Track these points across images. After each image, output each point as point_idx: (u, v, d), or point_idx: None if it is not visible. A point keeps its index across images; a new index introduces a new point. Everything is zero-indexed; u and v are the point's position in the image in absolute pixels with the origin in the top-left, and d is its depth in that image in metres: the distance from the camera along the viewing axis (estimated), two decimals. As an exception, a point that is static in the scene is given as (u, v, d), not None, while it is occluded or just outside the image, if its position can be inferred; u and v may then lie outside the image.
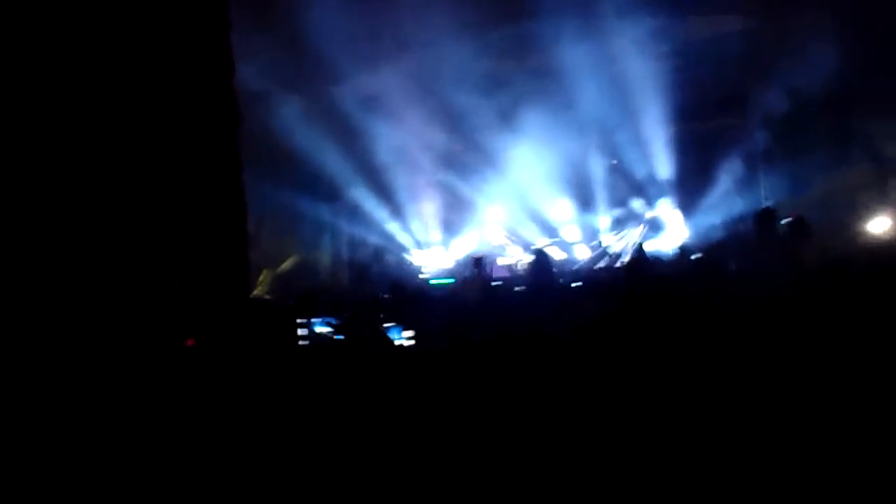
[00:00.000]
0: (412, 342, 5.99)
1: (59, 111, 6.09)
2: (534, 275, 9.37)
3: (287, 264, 13.68)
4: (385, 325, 5.93)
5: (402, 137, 13.93)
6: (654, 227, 15.20)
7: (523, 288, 9.28)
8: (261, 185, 10.42)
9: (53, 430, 4.08)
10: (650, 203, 15.43)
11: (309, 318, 5.75)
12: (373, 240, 15.18)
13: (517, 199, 15.15)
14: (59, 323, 5.29)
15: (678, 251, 11.68)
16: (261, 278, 12.44)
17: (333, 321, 5.75)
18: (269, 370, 4.80)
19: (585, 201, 15.50)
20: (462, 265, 14.07)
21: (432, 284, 12.61)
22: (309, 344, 5.65)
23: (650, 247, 13.49)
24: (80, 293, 5.58)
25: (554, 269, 9.95)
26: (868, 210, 11.88)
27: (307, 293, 7.26)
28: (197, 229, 7.06)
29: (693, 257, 9.57)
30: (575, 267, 13.95)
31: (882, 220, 11.80)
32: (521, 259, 15.11)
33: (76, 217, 5.96)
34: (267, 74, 11.79)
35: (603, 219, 15.53)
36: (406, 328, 5.86)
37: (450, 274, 13.66)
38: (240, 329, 6.22)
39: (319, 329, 5.85)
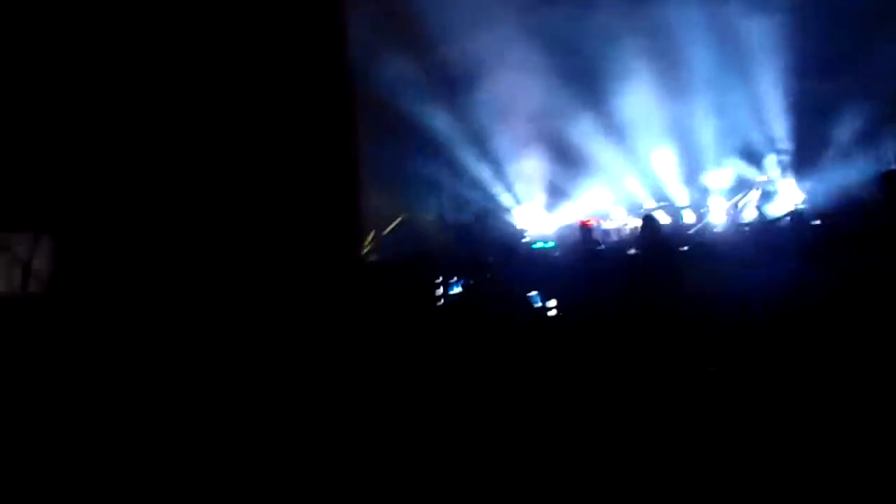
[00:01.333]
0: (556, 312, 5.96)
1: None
2: (644, 239, 9.34)
3: (393, 225, 14.01)
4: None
5: (508, 98, 13.97)
6: (767, 193, 14.83)
7: (635, 252, 9.31)
8: (364, 146, 10.73)
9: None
10: (763, 168, 15.07)
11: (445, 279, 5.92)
12: (476, 200, 15.34)
13: (625, 162, 15.06)
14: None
15: (794, 215, 11.34)
16: (368, 238, 12.77)
17: (469, 283, 5.92)
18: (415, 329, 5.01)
19: (695, 165, 15.27)
20: (566, 229, 14.11)
21: (534, 248, 12.71)
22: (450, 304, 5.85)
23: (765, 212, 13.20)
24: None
25: (662, 234, 9.86)
26: None
27: (423, 254, 7.49)
28: (314, 197, 7.34)
29: (813, 223, 9.32)
30: (691, 231, 13.81)
31: None
32: (626, 222, 15.09)
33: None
34: (374, 34, 12.04)
35: (714, 181, 15.26)
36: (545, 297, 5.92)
37: (553, 238, 13.71)
38: (354, 289, 6.46)
39: (457, 290, 6.03)
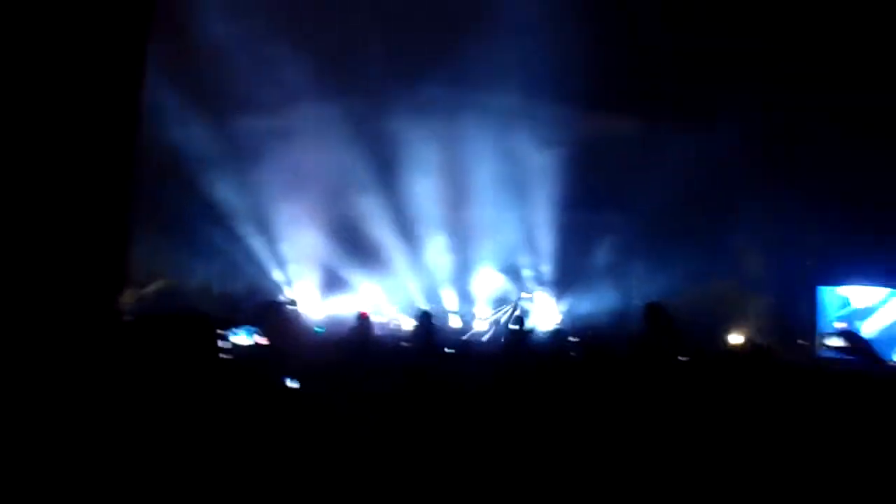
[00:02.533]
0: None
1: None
2: (418, 336, 9.44)
3: (152, 287, 13.08)
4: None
5: (295, 174, 13.86)
6: (527, 308, 15.84)
7: (408, 345, 9.34)
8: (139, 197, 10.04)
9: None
10: (525, 285, 16.15)
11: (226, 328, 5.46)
12: (249, 273, 14.95)
13: (401, 259, 15.57)
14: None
15: (554, 331, 12.12)
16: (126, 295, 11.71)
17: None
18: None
19: (465, 273, 16.05)
20: (338, 320, 13.96)
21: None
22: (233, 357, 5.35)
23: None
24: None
25: (436, 333, 10.06)
26: (729, 322, 13.00)
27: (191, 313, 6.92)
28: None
29: (572, 339, 10.00)
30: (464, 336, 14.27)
31: (739, 333, 12.90)
32: (396, 319, 15.32)
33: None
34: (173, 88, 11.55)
35: (480, 290, 16.09)
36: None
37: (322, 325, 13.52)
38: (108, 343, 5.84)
39: (236, 339, 5.62)
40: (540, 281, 16.10)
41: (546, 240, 15.64)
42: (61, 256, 6.68)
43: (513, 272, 16.35)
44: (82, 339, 5.95)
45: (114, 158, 7.57)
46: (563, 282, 15.77)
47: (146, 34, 7.53)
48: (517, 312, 13.87)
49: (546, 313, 15.46)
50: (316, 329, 12.72)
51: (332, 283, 15.56)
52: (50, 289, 6.30)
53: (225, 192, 13.87)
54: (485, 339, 14.21)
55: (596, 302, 14.99)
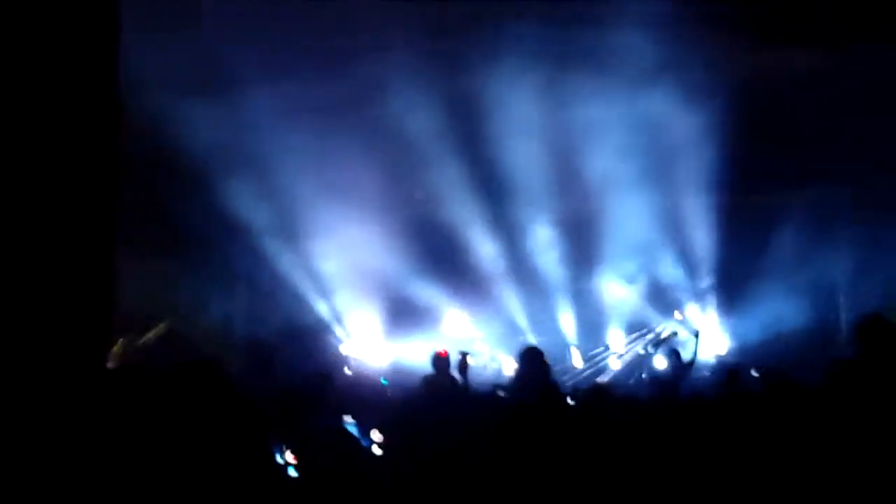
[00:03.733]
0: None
1: None
2: (521, 380, 9.00)
3: (152, 333, 13.24)
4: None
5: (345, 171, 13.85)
6: (678, 334, 15.35)
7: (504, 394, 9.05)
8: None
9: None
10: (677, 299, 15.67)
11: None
12: (282, 309, 14.97)
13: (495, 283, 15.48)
14: None
15: (725, 366, 11.51)
16: (114, 349, 11.91)
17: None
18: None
19: (588, 292, 15.74)
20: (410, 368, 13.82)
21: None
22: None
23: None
24: None
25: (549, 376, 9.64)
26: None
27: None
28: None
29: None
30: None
31: None
32: (495, 359, 14.98)
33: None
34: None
35: (613, 308, 15.68)
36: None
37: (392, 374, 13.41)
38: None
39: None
40: (695, 294, 15.59)
41: (701, 234, 15.18)
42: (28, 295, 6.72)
43: (655, 284, 15.88)
44: (58, 400, 5.99)
45: (91, 160, 7.61)
46: (729, 293, 15.26)
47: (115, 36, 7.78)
48: (666, 340, 13.38)
49: (707, 339, 14.89)
50: (381, 381, 12.59)
51: (402, 312, 15.38)
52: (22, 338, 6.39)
53: (247, 195, 13.92)
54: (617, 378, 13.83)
55: (777, 318, 14.42)
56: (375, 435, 6.34)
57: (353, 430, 6.60)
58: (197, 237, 13.97)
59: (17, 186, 6.79)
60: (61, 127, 7.19)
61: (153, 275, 13.38)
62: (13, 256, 6.86)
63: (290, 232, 14.50)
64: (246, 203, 13.96)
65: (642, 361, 14.57)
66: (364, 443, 6.85)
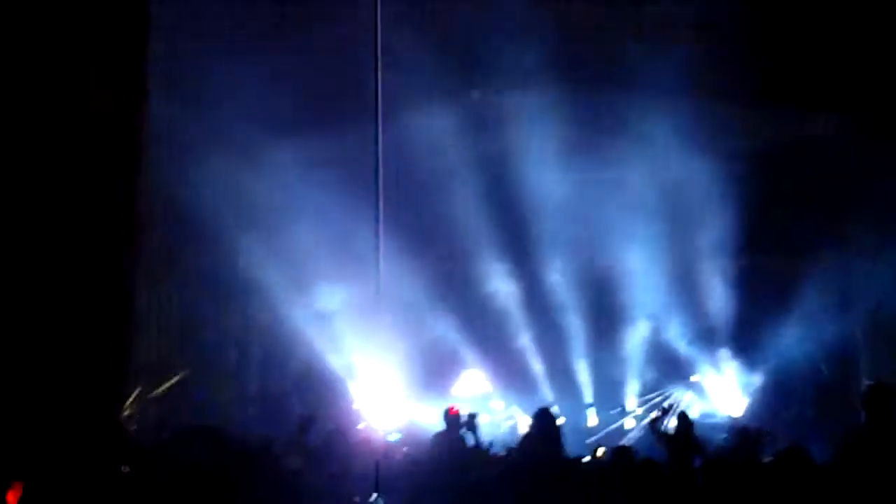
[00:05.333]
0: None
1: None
2: (530, 443, 8.97)
3: (167, 385, 13.20)
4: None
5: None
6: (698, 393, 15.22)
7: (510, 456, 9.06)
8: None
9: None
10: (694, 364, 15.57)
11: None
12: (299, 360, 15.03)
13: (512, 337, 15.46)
14: None
15: (734, 429, 11.36)
16: (129, 402, 11.91)
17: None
18: None
19: (607, 361, 15.65)
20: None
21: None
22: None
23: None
24: None
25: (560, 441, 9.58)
26: None
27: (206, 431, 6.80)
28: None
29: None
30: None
31: None
32: (510, 417, 14.88)
33: None
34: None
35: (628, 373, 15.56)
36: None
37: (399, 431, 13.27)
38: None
39: None
40: (712, 356, 15.49)
41: (718, 296, 15.13)
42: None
43: (670, 346, 15.79)
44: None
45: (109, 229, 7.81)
46: (746, 354, 15.16)
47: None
48: (671, 406, 13.29)
49: (723, 397, 14.80)
50: (392, 437, 12.47)
51: (419, 369, 15.27)
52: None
53: (262, 249, 14.09)
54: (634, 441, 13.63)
55: (794, 380, 14.36)
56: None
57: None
58: (213, 289, 14.31)
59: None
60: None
61: (169, 325, 13.54)
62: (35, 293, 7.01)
63: (305, 284, 14.54)
64: (261, 257, 14.10)
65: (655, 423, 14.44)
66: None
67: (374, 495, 6.48)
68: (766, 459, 8.66)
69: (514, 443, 11.46)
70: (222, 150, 12.87)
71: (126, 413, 11.71)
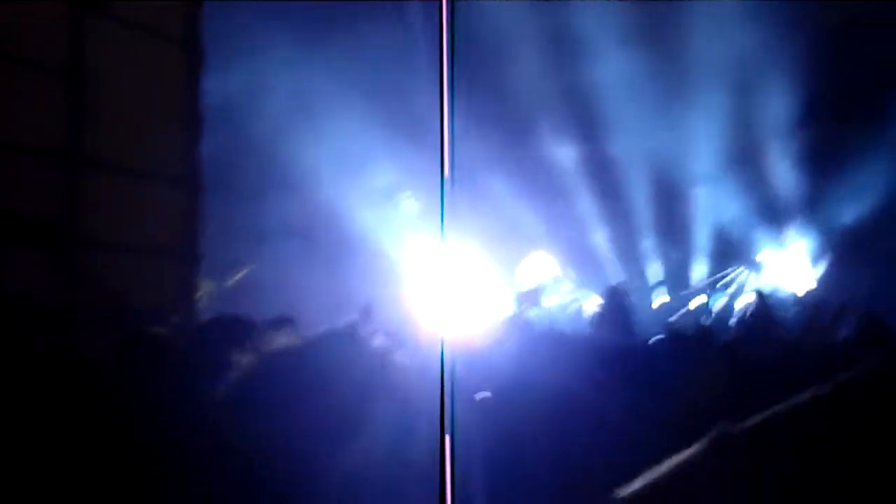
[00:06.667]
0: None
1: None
2: (606, 324, 9.20)
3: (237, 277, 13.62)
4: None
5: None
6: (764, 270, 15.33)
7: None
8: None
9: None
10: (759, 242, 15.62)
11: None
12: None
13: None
14: None
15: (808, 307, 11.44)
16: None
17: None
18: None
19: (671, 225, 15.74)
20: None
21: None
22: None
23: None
24: None
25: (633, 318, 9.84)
26: None
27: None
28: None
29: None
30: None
31: None
32: (576, 298, 15.10)
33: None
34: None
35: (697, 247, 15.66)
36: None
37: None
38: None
39: None
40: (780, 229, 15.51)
41: (785, 166, 15.04)
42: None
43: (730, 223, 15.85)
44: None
45: None
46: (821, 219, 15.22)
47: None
48: (742, 279, 13.40)
49: (791, 274, 14.91)
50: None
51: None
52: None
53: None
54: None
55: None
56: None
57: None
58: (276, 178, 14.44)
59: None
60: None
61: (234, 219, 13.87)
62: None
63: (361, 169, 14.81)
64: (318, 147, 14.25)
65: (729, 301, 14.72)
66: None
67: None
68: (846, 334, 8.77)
69: (580, 324, 11.75)
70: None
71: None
